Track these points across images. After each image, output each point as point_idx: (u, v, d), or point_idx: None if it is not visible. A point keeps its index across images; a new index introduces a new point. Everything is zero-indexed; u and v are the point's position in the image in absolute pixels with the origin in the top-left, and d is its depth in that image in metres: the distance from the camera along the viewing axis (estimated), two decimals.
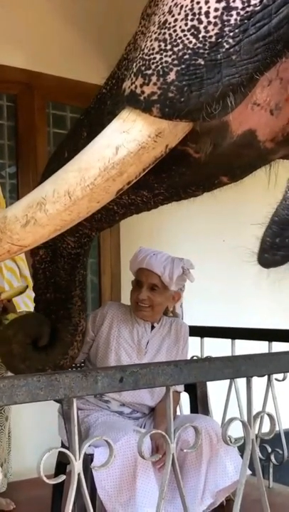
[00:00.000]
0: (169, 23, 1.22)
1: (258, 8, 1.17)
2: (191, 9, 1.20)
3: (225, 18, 1.18)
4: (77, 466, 1.51)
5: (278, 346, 2.91)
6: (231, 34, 1.18)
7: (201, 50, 1.20)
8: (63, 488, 2.56)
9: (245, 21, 1.18)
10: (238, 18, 1.18)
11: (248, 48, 1.18)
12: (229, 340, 3.31)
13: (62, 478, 1.63)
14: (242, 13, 1.18)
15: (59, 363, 2.16)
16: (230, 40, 1.18)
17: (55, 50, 3.76)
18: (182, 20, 1.21)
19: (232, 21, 1.18)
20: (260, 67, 1.21)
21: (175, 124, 1.26)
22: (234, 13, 1.18)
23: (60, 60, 3.78)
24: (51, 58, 3.74)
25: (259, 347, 2.91)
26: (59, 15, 3.77)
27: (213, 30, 1.19)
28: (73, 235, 1.93)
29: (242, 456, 1.85)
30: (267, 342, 3.19)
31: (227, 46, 1.18)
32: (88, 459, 2.13)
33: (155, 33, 1.24)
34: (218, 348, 3.04)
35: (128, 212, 1.78)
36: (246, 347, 2.70)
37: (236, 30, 1.18)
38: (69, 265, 2.04)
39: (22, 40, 3.65)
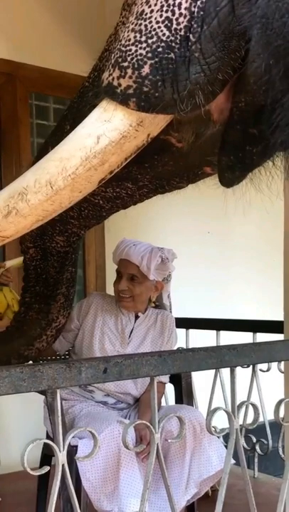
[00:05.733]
0: (146, 14, 1.18)
1: None
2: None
3: (192, 9, 1.13)
4: (61, 457, 1.50)
5: (263, 337, 2.93)
6: (193, 29, 1.13)
7: (173, 44, 1.15)
8: (48, 481, 2.56)
9: (201, 13, 1.12)
10: (199, 10, 1.12)
11: (205, 47, 1.13)
12: (214, 331, 3.33)
13: (46, 469, 1.62)
14: (198, 3, 1.12)
15: (23, 354, 2.20)
16: (191, 36, 1.13)
17: (37, 41, 3.73)
18: (158, 11, 1.16)
19: (195, 14, 1.12)
20: (220, 67, 1.16)
21: (155, 114, 1.24)
22: (199, 2, 1.12)
23: (43, 51, 3.74)
24: (34, 49, 3.71)
25: (245, 338, 2.93)
26: (42, 5, 3.74)
27: (182, 22, 1.13)
28: (62, 235, 1.92)
29: (226, 446, 1.86)
30: (252, 333, 3.22)
31: (190, 42, 1.13)
32: (73, 451, 2.13)
33: (132, 23, 1.20)
34: (203, 339, 3.04)
35: (114, 206, 1.77)
36: (232, 338, 2.71)
37: (195, 25, 1.12)
38: (58, 263, 2.05)
39: (4, 31, 3.61)
